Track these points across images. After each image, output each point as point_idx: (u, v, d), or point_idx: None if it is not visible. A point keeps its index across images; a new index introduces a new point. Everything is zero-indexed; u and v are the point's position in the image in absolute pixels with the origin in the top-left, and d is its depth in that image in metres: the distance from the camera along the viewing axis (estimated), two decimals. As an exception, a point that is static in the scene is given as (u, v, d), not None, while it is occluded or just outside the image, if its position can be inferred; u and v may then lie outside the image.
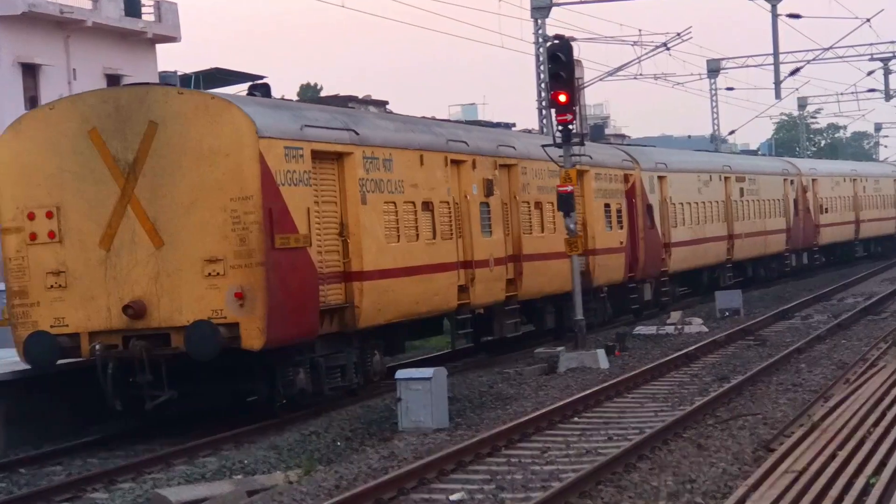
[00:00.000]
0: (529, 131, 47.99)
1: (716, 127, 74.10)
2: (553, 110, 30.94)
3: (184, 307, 21.54)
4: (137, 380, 21.70)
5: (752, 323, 36.93)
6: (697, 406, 21.71)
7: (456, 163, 29.29)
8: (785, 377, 25.82)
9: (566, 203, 30.22)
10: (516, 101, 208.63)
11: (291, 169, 22.49)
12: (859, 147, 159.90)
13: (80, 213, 22.14)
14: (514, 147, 32.83)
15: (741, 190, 52.80)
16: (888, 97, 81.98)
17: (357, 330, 24.74)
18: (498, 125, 38.70)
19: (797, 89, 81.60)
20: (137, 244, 21.86)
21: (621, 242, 39.44)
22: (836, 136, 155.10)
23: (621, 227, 39.61)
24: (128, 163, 21.94)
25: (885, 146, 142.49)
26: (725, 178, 51.08)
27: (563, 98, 29.75)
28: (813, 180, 64.13)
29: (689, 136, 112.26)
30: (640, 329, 36.80)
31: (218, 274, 21.46)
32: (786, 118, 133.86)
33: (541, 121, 48.30)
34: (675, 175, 45.01)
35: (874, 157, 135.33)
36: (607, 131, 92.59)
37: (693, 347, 30.98)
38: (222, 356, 21.49)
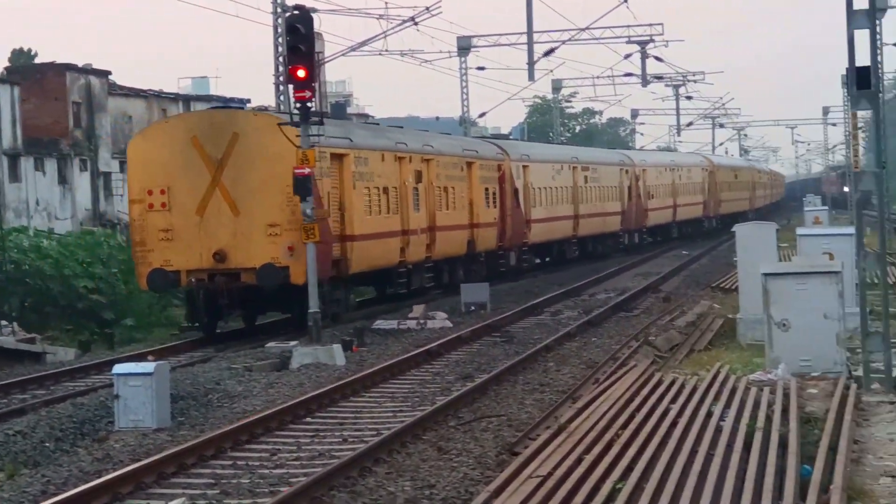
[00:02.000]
0: (265, 108, 49.89)
1: (465, 108, 70.57)
2: (291, 86, 29.78)
3: (252, 255, 32.55)
4: (219, 303, 32.73)
5: (499, 318, 35.23)
6: (439, 406, 20.90)
7: (400, 158, 40.60)
8: (532, 376, 24.93)
9: (302, 187, 28.69)
10: (252, 75, 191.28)
11: (322, 166, 33.67)
12: (615, 134, 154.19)
13: (183, 192, 33.01)
14: (432, 146, 44.25)
15: (586, 178, 62.33)
16: (645, 82, 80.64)
17: (347, 276, 36.00)
18: (231, 101, 41.02)
19: (552, 71, 76.33)
20: (222, 213, 32.82)
21: (495, 218, 50.24)
22: (592, 121, 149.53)
23: (495, 206, 50.55)
24: (217, 159, 32.88)
25: (642, 134, 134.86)
26: (573, 168, 60.92)
27: (301, 73, 28.23)
28: (643, 170, 72.43)
29: (438, 118, 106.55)
30: (380, 323, 35.11)
31: (276, 234, 32.51)
32: (539, 101, 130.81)
33: (278, 97, 47.30)
34: (535, 164, 55.66)
35: (630, 144, 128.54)
36: (350, 110, 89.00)
37: (436, 344, 29.59)
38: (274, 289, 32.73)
